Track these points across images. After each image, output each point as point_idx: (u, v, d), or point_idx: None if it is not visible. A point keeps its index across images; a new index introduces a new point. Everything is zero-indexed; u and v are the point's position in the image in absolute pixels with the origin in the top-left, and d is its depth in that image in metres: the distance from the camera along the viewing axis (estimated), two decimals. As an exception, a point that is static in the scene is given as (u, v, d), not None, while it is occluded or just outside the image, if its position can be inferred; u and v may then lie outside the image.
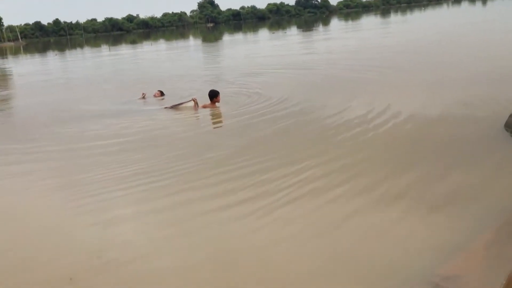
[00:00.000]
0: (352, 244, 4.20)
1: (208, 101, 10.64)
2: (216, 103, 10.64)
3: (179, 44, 56.90)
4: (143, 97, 13.32)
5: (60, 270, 4.19)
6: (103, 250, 4.44)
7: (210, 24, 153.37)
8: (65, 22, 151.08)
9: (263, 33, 62.24)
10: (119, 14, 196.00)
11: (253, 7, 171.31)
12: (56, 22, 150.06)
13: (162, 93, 13.66)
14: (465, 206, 4.70)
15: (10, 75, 31.42)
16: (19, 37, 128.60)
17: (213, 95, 10.61)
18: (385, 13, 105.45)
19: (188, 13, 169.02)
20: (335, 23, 75.01)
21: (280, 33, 55.52)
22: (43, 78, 24.98)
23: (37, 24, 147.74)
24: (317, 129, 8.30)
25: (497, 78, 11.17)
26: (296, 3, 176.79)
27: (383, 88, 11.75)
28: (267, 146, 7.35)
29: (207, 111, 10.50)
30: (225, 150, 7.28)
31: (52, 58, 46.17)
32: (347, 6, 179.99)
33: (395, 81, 12.65)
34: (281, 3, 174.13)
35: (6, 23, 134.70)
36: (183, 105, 10.79)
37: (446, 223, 4.39)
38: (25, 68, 36.81)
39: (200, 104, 10.66)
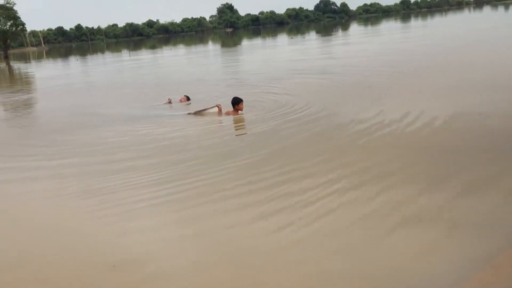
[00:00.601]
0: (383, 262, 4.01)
1: (231, 108, 10.44)
2: (239, 111, 10.37)
3: (198, 49, 57.27)
4: (169, 102, 13.19)
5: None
6: (121, 259, 4.36)
7: (229, 29, 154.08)
8: (86, 28, 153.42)
9: (282, 38, 62.23)
10: (139, 19, 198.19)
11: (272, 12, 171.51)
12: (78, 27, 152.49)
13: (188, 98, 13.51)
14: (484, 226, 4.44)
15: (32, 79, 31.97)
16: (42, 42, 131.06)
17: (236, 102, 10.38)
18: (405, 17, 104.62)
19: (207, 18, 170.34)
20: (354, 28, 74.67)
21: (298, 38, 55.43)
22: (65, 82, 25.37)
23: (60, 30, 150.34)
24: (346, 136, 7.99)
25: None
26: (315, 8, 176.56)
27: (409, 93, 11.54)
28: (294, 154, 7.09)
29: (231, 118, 10.26)
30: (249, 158, 7.04)
31: (74, 63, 46.83)
32: (366, 11, 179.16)
33: (420, 86, 12.41)
34: (300, 8, 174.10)
35: (29, 28, 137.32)
36: (207, 111, 10.72)
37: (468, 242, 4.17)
38: (47, 72, 37.42)
39: (223, 111, 10.54)
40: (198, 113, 10.81)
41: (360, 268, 3.91)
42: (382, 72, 15.50)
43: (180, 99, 13.46)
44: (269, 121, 9.51)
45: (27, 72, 39.29)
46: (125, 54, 55.69)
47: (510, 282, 3.34)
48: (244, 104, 10.51)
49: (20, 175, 7.33)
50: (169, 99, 13.35)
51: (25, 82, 29.64)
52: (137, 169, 6.84)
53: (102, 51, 74.34)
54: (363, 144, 7.36)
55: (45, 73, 37.13)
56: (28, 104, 17.10)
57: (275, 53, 36.45)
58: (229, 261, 4.20)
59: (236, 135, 9.23)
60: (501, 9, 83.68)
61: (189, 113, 11.10)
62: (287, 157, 6.96)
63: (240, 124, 9.94)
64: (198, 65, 30.17)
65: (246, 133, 9.22)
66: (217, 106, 10.65)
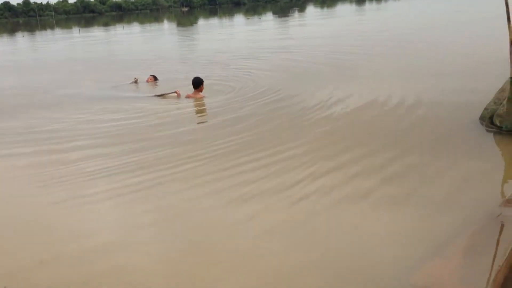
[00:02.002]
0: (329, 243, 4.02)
1: (191, 91, 10.02)
2: (200, 92, 9.95)
3: (153, 27, 55.89)
4: (135, 82, 12.51)
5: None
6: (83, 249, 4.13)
7: (185, 8, 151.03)
8: (35, 3, 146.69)
9: (239, 19, 61.57)
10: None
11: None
12: (26, 2, 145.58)
13: (155, 78, 12.83)
14: (437, 207, 4.43)
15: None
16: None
17: (198, 84, 9.91)
18: (360, 1, 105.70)
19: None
20: (311, 10, 74.78)
21: (255, 18, 54.96)
22: (10, 58, 24.16)
23: (6, 4, 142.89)
24: (302, 119, 7.90)
25: (473, 69, 10.95)
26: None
27: (362, 75, 11.69)
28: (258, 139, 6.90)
29: (191, 101, 9.80)
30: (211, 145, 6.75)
31: (20, 39, 44.63)
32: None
33: (374, 68, 12.57)
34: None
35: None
36: (168, 95, 10.31)
37: (419, 225, 4.16)
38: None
39: (183, 95, 10.10)
40: (159, 96, 10.41)
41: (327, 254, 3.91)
42: (338, 54, 15.66)
43: (147, 79, 12.71)
44: (230, 105, 9.17)
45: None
46: (75, 31, 53.56)
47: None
48: (208, 84, 10.20)
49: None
50: (135, 78, 12.62)
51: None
52: (95, 158, 6.36)
53: (52, 28, 71.25)
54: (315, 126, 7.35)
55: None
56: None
57: (232, 33, 35.98)
58: (196, 250, 4.04)
59: (197, 122, 8.61)
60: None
61: (155, 95, 10.55)
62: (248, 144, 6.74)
63: (201, 108, 9.49)
64: (155, 44, 29.41)
65: (206, 121, 8.65)
66: (176, 92, 10.19)
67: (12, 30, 69.37)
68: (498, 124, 6.28)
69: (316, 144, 6.42)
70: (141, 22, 74.66)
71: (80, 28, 59.80)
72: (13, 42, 41.43)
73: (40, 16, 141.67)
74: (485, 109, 6.68)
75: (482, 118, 6.66)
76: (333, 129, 7.15)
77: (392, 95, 8.75)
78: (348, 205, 4.59)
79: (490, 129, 6.39)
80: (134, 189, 5.21)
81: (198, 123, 8.44)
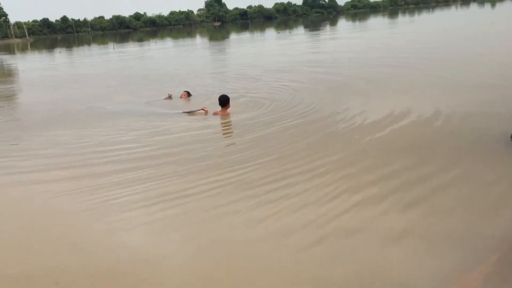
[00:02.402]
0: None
1: (218, 108, 9.89)
2: (227, 110, 9.82)
3: (186, 42, 56.70)
4: (169, 97, 12.40)
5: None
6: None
7: (217, 23, 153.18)
8: (72, 20, 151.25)
9: (270, 33, 61.88)
10: (126, 12, 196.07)
11: (260, 7, 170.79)
12: (64, 19, 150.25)
13: (188, 94, 12.64)
14: (462, 229, 4.32)
15: (16, 71, 31.30)
16: (27, 33, 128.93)
17: (224, 102, 9.80)
18: (393, 14, 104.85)
19: (195, 12, 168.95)
20: (343, 23, 74.60)
21: (286, 33, 55.08)
22: (48, 74, 24.84)
23: (45, 21, 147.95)
24: (333, 131, 7.90)
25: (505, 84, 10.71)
26: (303, 3, 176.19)
27: (396, 88, 11.48)
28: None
29: (218, 119, 9.65)
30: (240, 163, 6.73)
31: (57, 55, 45.97)
32: (354, 7, 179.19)
33: (408, 81, 12.34)
34: (288, 3, 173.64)
35: (14, 19, 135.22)
36: (195, 112, 10.25)
37: (442, 250, 4.02)
38: (30, 64, 36.77)
39: (211, 111, 9.99)
40: (186, 113, 10.34)
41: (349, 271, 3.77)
42: (370, 68, 15.43)
43: (180, 95, 12.60)
44: (259, 122, 9.02)
45: (9, 64, 38.49)
46: (110, 47, 54.83)
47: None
48: (237, 97, 10.12)
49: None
50: (169, 94, 12.53)
51: (7, 74, 28.98)
52: (123, 180, 6.30)
53: (88, 43, 73.28)
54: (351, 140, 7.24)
55: (27, 65, 36.47)
56: (8, 97, 16.60)
57: (263, 47, 36.15)
58: (225, 263, 4.04)
59: (224, 144, 8.03)
60: (487, 6, 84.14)
61: (176, 113, 10.50)
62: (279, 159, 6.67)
63: (227, 127, 9.27)
64: (188, 58, 29.72)
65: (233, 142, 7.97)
66: (203, 109, 10.12)
67: (50, 46, 71.73)
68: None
69: (353, 159, 6.30)
70: (174, 37, 75.96)
71: (115, 44, 61.25)
72: (50, 58, 42.73)
73: (77, 32, 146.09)
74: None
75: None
76: (369, 143, 7.00)
77: (426, 108, 8.65)
78: (388, 220, 4.52)
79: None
80: (162, 215, 5.12)
81: (226, 145, 7.93)
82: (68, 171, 6.70)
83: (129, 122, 9.85)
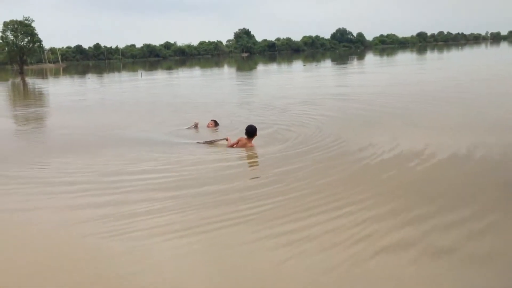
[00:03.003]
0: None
1: (243, 136, 9.55)
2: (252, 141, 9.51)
3: (214, 71, 57.37)
4: (195, 127, 12.18)
5: None
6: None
7: (245, 54, 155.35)
8: (105, 47, 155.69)
9: (297, 65, 62.16)
10: (157, 41, 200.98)
11: (289, 39, 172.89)
12: (97, 46, 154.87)
13: (216, 123, 12.39)
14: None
15: (46, 94, 31.97)
16: (60, 59, 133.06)
17: (252, 133, 9.40)
18: (421, 50, 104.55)
19: (224, 43, 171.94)
20: (370, 57, 74.62)
21: (312, 65, 55.15)
22: (76, 98, 25.26)
23: (78, 48, 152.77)
24: (361, 168, 7.57)
25: None
26: (332, 36, 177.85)
27: (424, 125, 11.13)
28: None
29: (243, 151, 9.24)
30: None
31: (86, 81, 46.92)
32: (382, 42, 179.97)
33: (435, 118, 11.97)
34: (317, 36, 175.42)
35: (49, 45, 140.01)
36: (217, 142, 10.03)
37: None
38: (60, 88, 37.63)
39: (233, 140, 9.69)
40: (208, 142, 10.10)
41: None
42: (396, 103, 15.13)
43: (208, 124, 12.38)
44: (285, 156, 8.67)
45: (40, 88, 39.44)
46: (140, 74, 55.82)
47: None
48: (265, 131, 9.86)
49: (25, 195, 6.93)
50: (195, 122, 12.29)
51: (36, 98, 29.63)
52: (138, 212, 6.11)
53: (118, 70, 74.92)
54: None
55: (57, 88, 37.34)
56: (36, 119, 16.79)
57: (289, 78, 36.17)
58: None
59: (248, 178, 7.60)
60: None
61: (198, 142, 10.23)
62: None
63: (253, 160, 8.86)
64: (215, 88, 29.85)
65: (259, 176, 7.56)
66: (226, 139, 9.80)
67: (82, 71, 73.58)
68: None
69: (380, 200, 5.93)
70: (202, 66, 77.07)
71: (142, 71, 62.37)
72: (80, 83, 43.63)
73: (109, 59, 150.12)
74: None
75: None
76: (398, 184, 6.65)
77: (451, 147, 8.35)
78: (417, 268, 4.20)
79: None
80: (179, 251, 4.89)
81: (250, 178, 7.54)
82: (87, 199, 6.53)
83: (150, 151, 9.65)
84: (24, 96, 30.88)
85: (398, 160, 7.87)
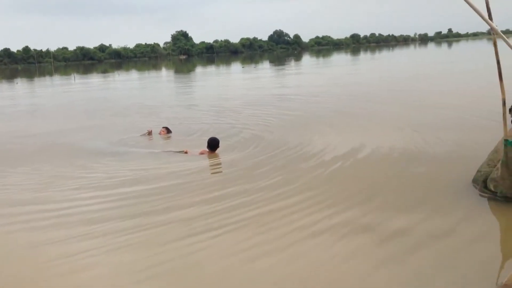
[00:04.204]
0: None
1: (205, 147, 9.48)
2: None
3: (152, 74, 56.46)
4: (149, 134, 11.84)
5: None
6: None
7: (183, 56, 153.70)
8: (35, 50, 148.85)
9: (235, 67, 62.41)
10: (91, 43, 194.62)
11: (226, 41, 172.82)
12: (26, 49, 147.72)
13: (168, 130, 12.10)
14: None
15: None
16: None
17: (215, 145, 9.36)
18: (355, 51, 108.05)
19: (162, 45, 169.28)
20: (307, 59, 76.18)
21: (251, 67, 55.58)
22: (7, 103, 24.13)
23: (6, 51, 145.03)
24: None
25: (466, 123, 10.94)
26: (269, 38, 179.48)
27: (359, 124, 11.74)
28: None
29: (206, 159, 9.17)
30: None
31: (15, 86, 44.78)
32: (318, 43, 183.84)
33: (370, 118, 12.57)
34: (254, 38, 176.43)
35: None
36: (177, 153, 9.75)
37: None
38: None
39: (194, 153, 9.48)
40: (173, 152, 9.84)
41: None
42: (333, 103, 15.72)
43: (160, 131, 12.02)
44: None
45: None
46: (72, 78, 53.84)
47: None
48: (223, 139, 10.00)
49: None
50: (149, 130, 11.95)
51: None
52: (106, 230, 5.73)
53: (50, 74, 71.81)
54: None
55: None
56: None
57: (230, 80, 36.36)
58: None
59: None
60: (444, 46, 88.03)
61: (170, 150, 9.95)
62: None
63: (217, 167, 8.83)
64: (157, 91, 29.39)
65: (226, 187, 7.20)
66: (185, 152, 9.55)
67: (11, 76, 69.85)
68: (492, 189, 5.83)
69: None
70: (139, 69, 75.49)
71: (76, 75, 60.17)
72: (7, 89, 41.55)
73: (39, 63, 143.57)
74: (478, 171, 6.27)
75: (475, 181, 6.23)
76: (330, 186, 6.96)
77: (385, 147, 8.86)
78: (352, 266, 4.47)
79: (484, 194, 5.93)
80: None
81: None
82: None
83: (109, 163, 9.22)
84: None
85: (328, 162, 8.29)
